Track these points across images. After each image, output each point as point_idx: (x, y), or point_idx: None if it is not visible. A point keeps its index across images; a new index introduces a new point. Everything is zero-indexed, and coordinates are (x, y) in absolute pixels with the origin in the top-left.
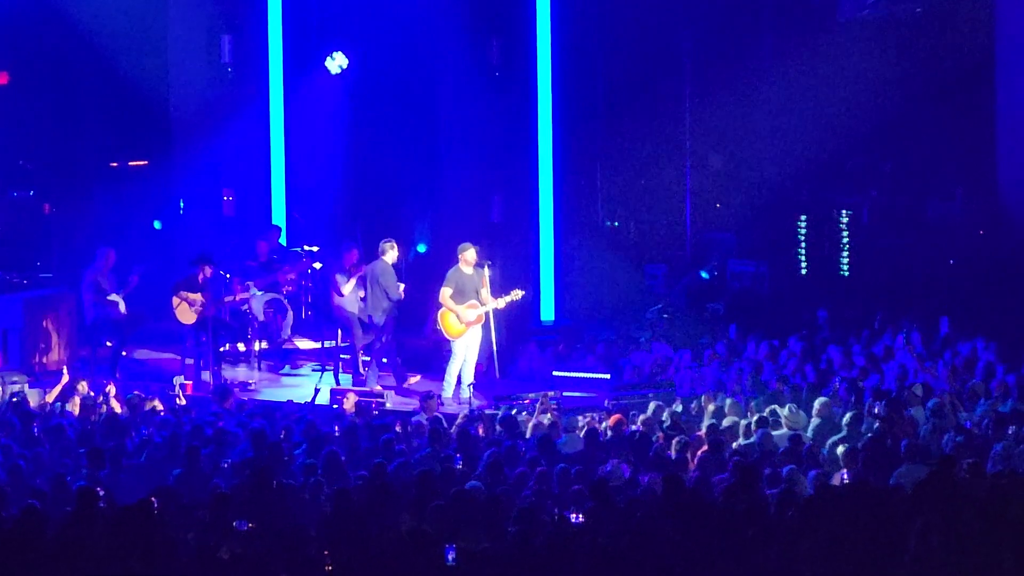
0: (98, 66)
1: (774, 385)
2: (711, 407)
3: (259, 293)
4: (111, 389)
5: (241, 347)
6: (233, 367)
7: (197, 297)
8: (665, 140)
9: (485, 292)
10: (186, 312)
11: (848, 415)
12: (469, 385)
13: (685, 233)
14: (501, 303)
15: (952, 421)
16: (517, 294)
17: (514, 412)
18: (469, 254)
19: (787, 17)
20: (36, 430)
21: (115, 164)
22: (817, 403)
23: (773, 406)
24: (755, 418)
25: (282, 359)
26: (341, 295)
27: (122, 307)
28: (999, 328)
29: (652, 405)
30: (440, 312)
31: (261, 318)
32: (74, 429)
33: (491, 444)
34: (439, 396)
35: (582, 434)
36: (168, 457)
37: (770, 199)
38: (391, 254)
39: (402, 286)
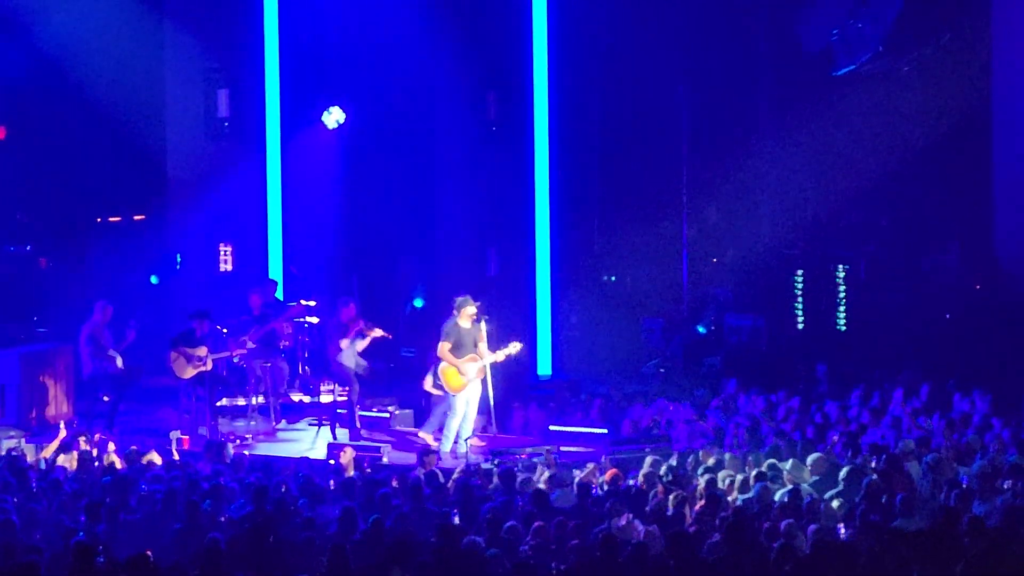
0: (95, 120)
1: (771, 440)
2: (709, 461)
3: (255, 346)
4: (111, 446)
5: (240, 401)
6: (230, 421)
7: (198, 351)
8: (662, 194)
9: (483, 346)
10: (183, 367)
11: (845, 470)
12: (467, 440)
13: (682, 287)
14: (500, 356)
15: (949, 476)
16: (515, 347)
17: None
18: (468, 309)
19: (783, 72)
20: (33, 485)
21: (116, 219)
22: (810, 459)
23: (773, 460)
24: (753, 472)
25: (279, 414)
26: (340, 350)
27: (119, 362)
28: (995, 382)
29: (649, 459)
30: (441, 367)
31: (258, 372)
32: (71, 484)
33: (488, 499)
34: (437, 452)
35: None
36: (165, 512)
37: (767, 254)
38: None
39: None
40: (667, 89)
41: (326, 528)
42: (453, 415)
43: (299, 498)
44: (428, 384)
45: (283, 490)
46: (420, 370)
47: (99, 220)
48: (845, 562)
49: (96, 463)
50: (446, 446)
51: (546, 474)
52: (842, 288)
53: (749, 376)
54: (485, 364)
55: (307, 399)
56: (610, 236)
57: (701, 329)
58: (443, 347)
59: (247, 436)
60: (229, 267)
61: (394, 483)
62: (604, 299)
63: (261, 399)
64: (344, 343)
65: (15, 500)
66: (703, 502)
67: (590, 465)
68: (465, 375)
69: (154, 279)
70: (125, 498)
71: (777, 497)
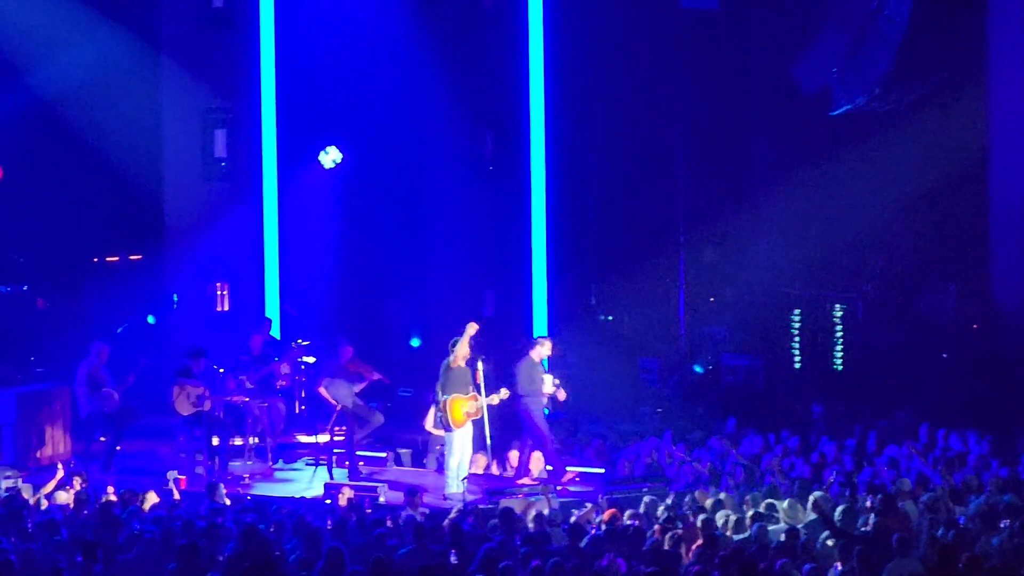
0: (91, 160)
1: (768, 479)
2: (706, 502)
3: (252, 386)
4: (111, 489)
5: (237, 441)
6: (227, 461)
7: (197, 390)
8: (658, 234)
9: (479, 385)
10: (184, 403)
11: (841, 509)
12: (463, 479)
13: (679, 327)
14: (494, 400)
15: (946, 515)
16: (504, 393)
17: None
18: (461, 349)
19: (779, 112)
20: (29, 525)
21: (113, 259)
22: (812, 497)
23: (770, 500)
24: (751, 512)
25: (276, 454)
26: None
27: (115, 401)
28: (992, 422)
29: (646, 499)
30: (450, 400)
31: (255, 412)
32: (67, 524)
33: (483, 539)
34: (423, 491)
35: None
36: (161, 552)
37: (764, 293)
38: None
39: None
40: (663, 128)
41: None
42: (451, 454)
43: (292, 538)
44: (429, 423)
45: (272, 530)
46: (416, 410)
47: (96, 260)
48: None
49: (92, 503)
50: (452, 487)
51: (533, 513)
52: (839, 328)
53: (746, 415)
54: (482, 405)
55: (305, 439)
56: (606, 276)
57: (698, 369)
58: (441, 387)
59: (244, 476)
60: (226, 307)
61: (388, 523)
62: (601, 339)
63: (258, 439)
64: (323, 385)
65: (12, 540)
66: (700, 542)
67: (588, 505)
68: (466, 412)
69: (151, 319)
70: (115, 537)
71: (773, 537)
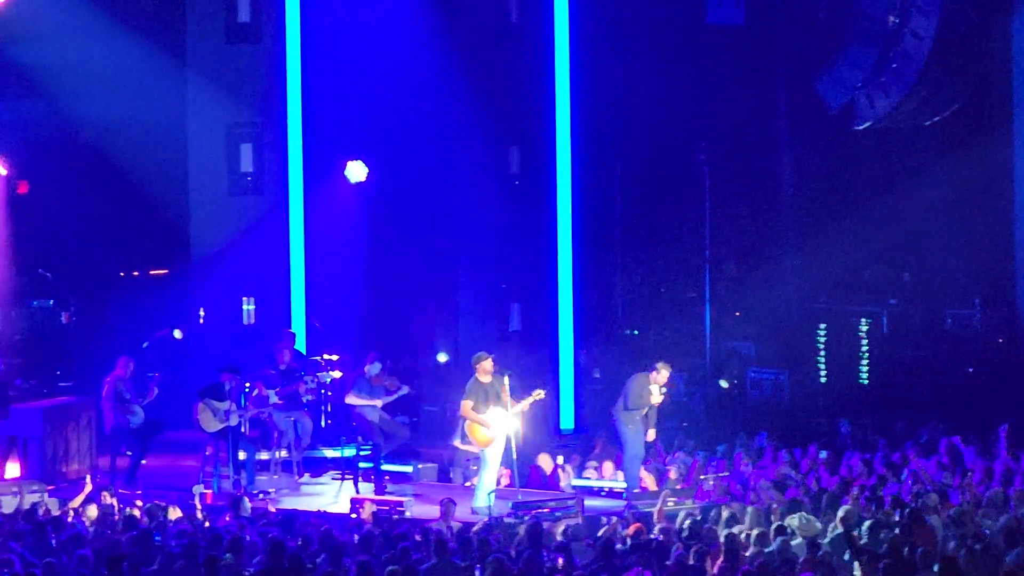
0: (117, 174)
1: (793, 493)
2: (730, 515)
3: (279, 401)
4: (136, 503)
5: (263, 455)
6: (254, 475)
7: (224, 405)
8: (684, 248)
9: (506, 399)
10: (209, 420)
11: (867, 524)
12: (490, 493)
13: (704, 341)
14: (525, 405)
15: (972, 530)
16: (539, 393)
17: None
18: (486, 364)
19: (805, 127)
20: (53, 540)
21: (138, 273)
22: (841, 511)
23: (795, 514)
24: (774, 527)
25: (301, 468)
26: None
27: (140, 416)
28: (1018, 436)
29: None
30: (467, 424)
31: (281, 427)
32: (93, 538)
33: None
34: (455, 504)
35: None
36: (187, 567)
37: (789, 308)
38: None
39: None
40: (689, 143)
41: None
42: (486, 469)
43: (319, 552)
44: (458, 440)
45: (299, 543)
46: (442, 425)
47: (122, 274)
48: None
49: (117, 517)
50: (481, 501)
51: (561, 527)
52: (865, 342)
53: (772, 430)
54: (516, 414)
55: (331, 453)
56: (632, 290)
57: (724, 384)
58: (466, 405)
59: (270, 490)
60: (252, 321)
61: (417, 537)
62: (627, 353)
63: (284, 453)
64: (352, 394)
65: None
66: (724, 556)
67: (613, 519)
68: (491, 428)
69: (178, 333)
70: (146, 552)
71: (799, 552)
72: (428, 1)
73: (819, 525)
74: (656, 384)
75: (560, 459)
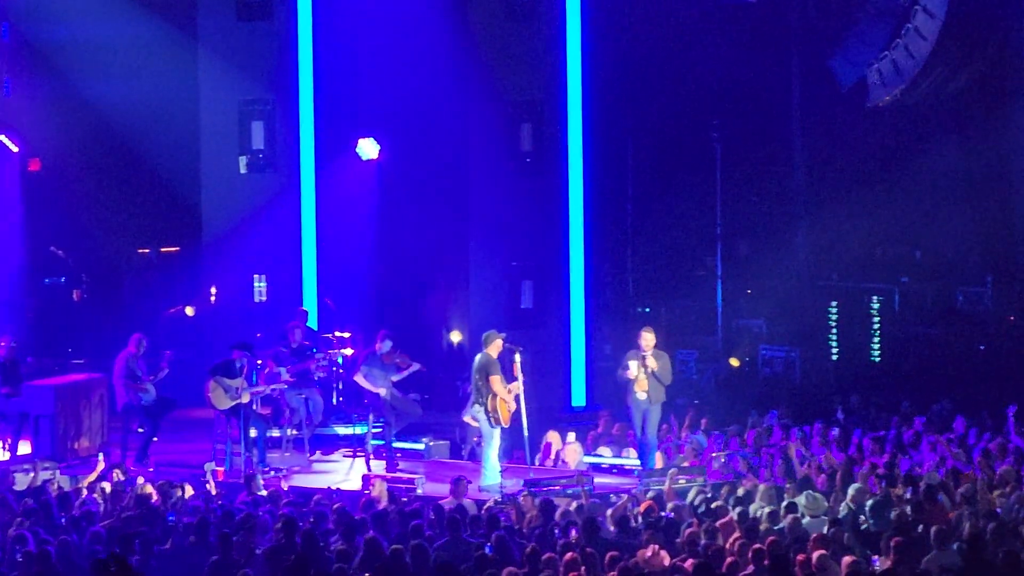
0: (129, 152)
1: (804, 470)
2: (742, 492)
3: (291, 379)
4: (140, 480)
5: (275, 433)
6: (265, 453)
7: (235, 383)
8: (696, 226)
9: (518, 376)
10: (221, 397)
11: (876, 501)
12: (500, 471)
13: (716, 319)
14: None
15: (984, 507)
16: (516, 387)
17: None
18: (497, 343)
19: (817, 103)
20: (64, 518)
21: (150, 251)
22: (851, 489)
23: (805, 492)
24: (784, 504)
25: (313, 445)
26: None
27: (152, 392)
28: None
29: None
30: (497, 401)
31: (293, 404)
32: (104, 516)
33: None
34: (469, 481)
35: (609, 521)
36: (198, 543)
37: (801, 285)
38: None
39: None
40: (701, 121)
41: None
42: (490, 446)
43: (333, 530)
44: (468, 416)
45: (311, 522)
46: (453, 402)
47: (134, 252)
48: None
49: (129, 494)
50: (490, 479)
51: (574, 505)
52: (876, 320)
53: (783, 407)
54: (519, 394)
55: (343, 430)
56: (644, 268)
57: (734, 361)
58: (495, 381)
59: (282, 468)
60: (264, 298)
61: (431, 515)
62: (638, 330)
63: (295, 431)
64: (361, 373)
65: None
66: (736, 534)
67: (624, 497)
68: (511, 405)
69: (190, 311)
70: (159, 530)
71: (810, 528)
72: None
73: (826, 504)
74: (635, 360)
75: (571, 436)
